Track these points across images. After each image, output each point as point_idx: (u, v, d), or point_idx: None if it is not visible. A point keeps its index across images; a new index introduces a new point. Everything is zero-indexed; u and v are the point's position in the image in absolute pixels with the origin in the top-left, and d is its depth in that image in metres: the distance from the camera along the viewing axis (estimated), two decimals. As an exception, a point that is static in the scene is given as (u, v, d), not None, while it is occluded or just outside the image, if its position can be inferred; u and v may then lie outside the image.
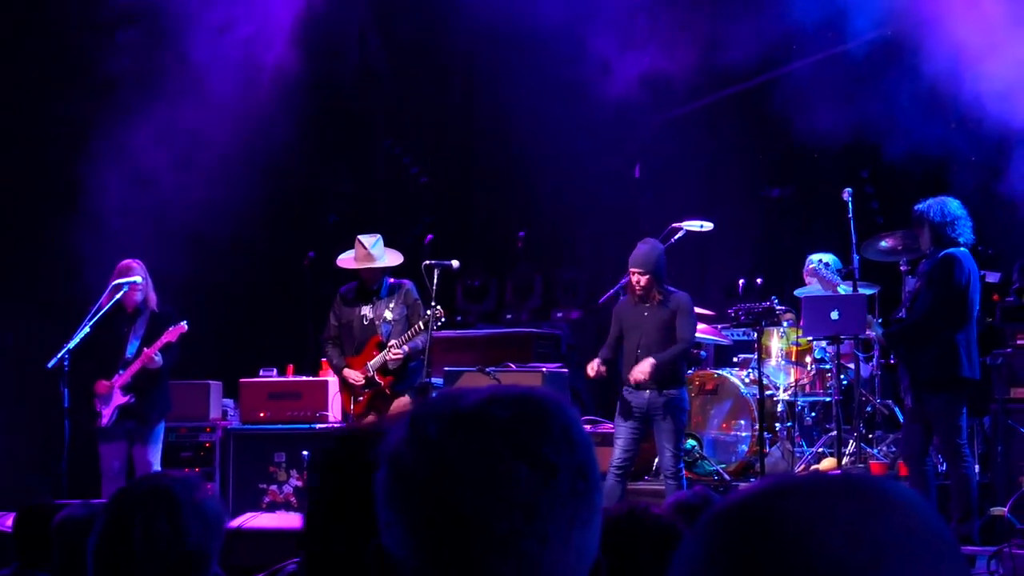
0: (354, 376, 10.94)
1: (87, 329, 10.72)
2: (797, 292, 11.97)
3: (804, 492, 1.27)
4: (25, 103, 13.84)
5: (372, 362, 10.86)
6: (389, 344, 10.83)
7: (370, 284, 11.06)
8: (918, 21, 11.52)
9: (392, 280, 11.15)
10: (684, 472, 10.53)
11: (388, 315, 10.96)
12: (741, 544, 1.25)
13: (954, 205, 9.71)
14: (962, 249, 9.64)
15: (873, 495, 1.27)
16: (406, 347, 10.79)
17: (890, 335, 10.04)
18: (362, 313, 11.04)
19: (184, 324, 10.84)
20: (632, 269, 10.40)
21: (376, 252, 10.98)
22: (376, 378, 10.87)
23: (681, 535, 3.50)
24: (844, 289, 10.92)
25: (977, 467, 11.45)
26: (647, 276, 10.34)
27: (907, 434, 10.04)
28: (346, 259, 11.15)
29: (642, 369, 10.17)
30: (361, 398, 10.94)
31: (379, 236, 11.09)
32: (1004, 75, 10.89)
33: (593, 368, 10.43)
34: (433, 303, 10.68)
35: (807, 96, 12.74)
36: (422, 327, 10.74)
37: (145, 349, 10.81)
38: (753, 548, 1.24)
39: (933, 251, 9.73)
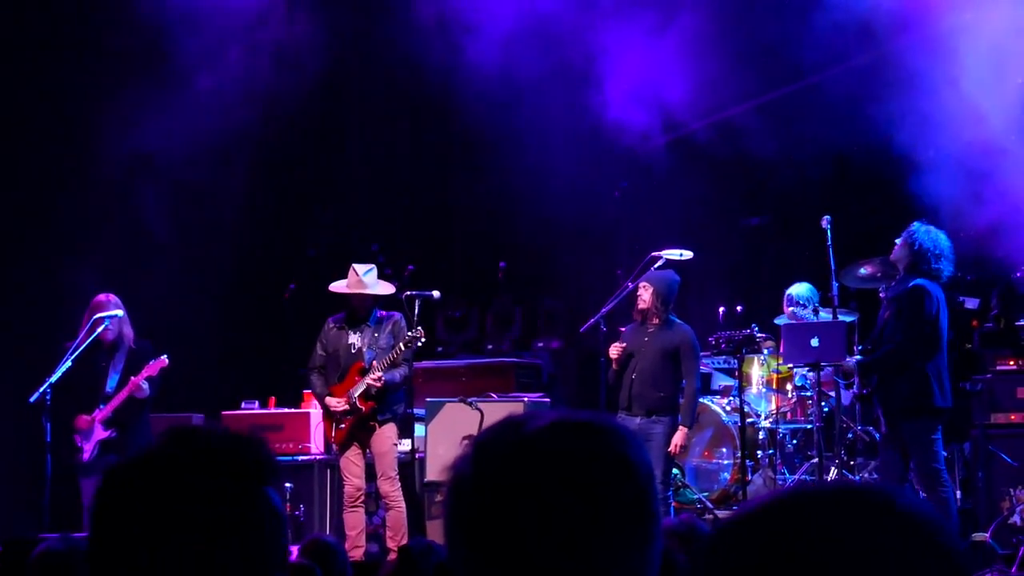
0: (334, 403, 10.93)
1: (68, 363, 10.68)
2: (777, 320, 12.00)
3: (819, 505, 1.30)
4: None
5: (353, 389, 10.84)
6: (371, 366, 10.82)
7: (359, 312, 11.07)
8: (897, 48, 11.58)
9: (382, 312, 11.17)
10: (672, 500, 10.60)
11: (375, 343, 10.96)
12: (763, 560, 1.29)
13: (944, 239, 9.79)
14: (932, 280, 9.72)
15: (899, 513, 1.32)
16: (384, 375, 10.76)
17: (863, 365, 10.09)
18: (350, 341, 11.04)
19: (164, 358, 10.83)
20: (641, 283, 10.52)
21: (368, 280, 11.04)
22: (358, 404, 10.85)
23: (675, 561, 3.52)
24: (824, 316, 10.97)
25: (959, 493, 11.48)
26: (651, 290, 10.46)
27: (884, 461, 10.10)
28: (338, 285, 11.18)
29: (678, 443, 10.37)
30: (343, 425, 10.93)
31: (373, 266, 11.20)
32: (981, 101, 10.95)
33: (615, 349, 10.56)
34: (416, 327, 10.73)
35: (785, 125, 12.80)
36: (403, 348, 10.74)
37: (132, 378, 10.77)
38: (775, 566, 1.27)
39: (904, 277, 9.80)
